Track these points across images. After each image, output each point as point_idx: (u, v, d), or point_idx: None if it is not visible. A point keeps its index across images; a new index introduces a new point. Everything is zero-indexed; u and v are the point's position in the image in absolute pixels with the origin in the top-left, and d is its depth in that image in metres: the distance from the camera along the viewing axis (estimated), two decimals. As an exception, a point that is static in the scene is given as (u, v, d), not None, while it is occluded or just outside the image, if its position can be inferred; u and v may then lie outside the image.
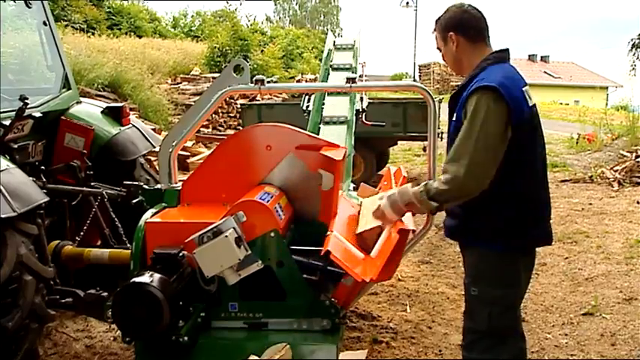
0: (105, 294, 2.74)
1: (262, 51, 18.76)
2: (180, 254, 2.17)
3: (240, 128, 9.48)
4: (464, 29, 2.16)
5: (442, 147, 2.43)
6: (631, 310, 3.82)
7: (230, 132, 11.53)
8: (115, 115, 3.73)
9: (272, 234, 2.20)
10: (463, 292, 2.43)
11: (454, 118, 2.13)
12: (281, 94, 12.50)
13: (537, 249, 2.29)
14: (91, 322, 3.55)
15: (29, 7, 3.45)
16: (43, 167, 3.30)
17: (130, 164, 3.64)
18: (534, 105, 2.12)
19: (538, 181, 2.15)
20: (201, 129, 9.74)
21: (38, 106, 3.29)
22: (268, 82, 2.62)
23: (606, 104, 24.19)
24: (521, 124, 2.00)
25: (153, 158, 4.92)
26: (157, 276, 2.06)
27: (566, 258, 4.95)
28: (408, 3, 31.01)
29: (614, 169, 8.45)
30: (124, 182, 3.14)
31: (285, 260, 2.23)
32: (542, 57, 39.55)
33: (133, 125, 3.78)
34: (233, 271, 2.11)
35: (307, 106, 3.95)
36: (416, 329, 3.58)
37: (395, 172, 2.87)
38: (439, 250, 5.24)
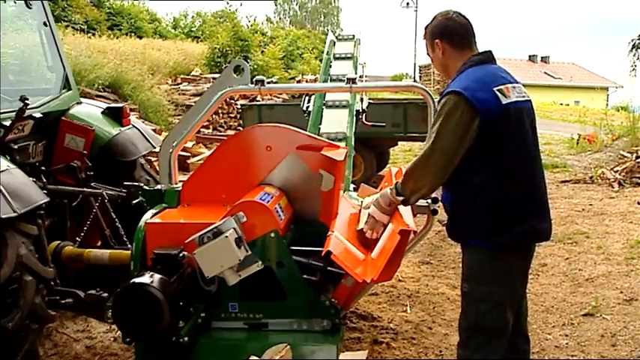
0: (105, 294, 2.74)
1: (262, 51, 18.75)
2: (181, 255, 2.17)
3: (241, 129, 9.49)
4: (449, 36, 2.25)
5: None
6: (631, 311, 3.82)
7: (230, 132, 11.53)
8: (116, 115, 3.73)
9: (272, 234, 2.20)
10: (462, 292, 2.47)
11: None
12: (281, 94, 12.51)
13: (537, 249, 2.29)
14: (91, 322, 3.55)
15: (29, 8, 3.45)
16: (43, 168, 3.30)
17: (130, 165, 3.64)
18: (516, 102, 2.12)
19: (523, 178, 2.14)
20: (202, 129, 9.74)
21: (38, 107, 3.29)
22: (268, 82, 2.62)
23: (606, 105, 24.13)
24: (492, 122, 2.04)
25: (153, 159, 4.92)
26: (157, 276, 2.07)
27: (567, 259, 4.95)
28: (408, 4, 31.04)
29: (615, 169, 8.45)
30: (124, 183, 3.14)
31: (285, 261, 2.23)
32: (542, 57, 39.55)
33: (134, 126, 3.78)
34: (233, 272, 2.12)
35: (307, 107, 3.95)
36: (416, 330, 3.58)
37: (396, 173, 2.87)
38: (439, 250, 5.24)
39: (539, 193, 2.22)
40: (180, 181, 2.66)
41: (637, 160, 8.35)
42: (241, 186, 2.40)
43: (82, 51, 11.31)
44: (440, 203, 2.39)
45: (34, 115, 3.17)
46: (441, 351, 3.33)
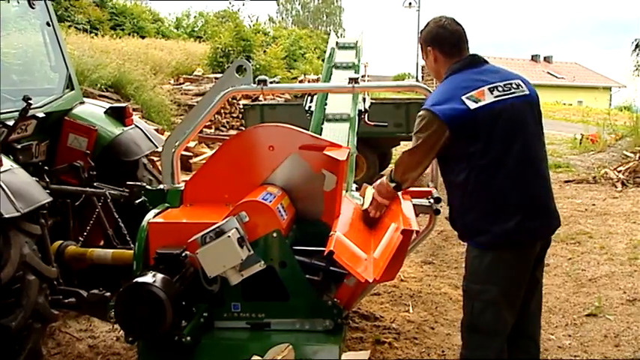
0: (108, 294, 2.74)
1: (265, 51, 18.76)
2: (183, 254, 2.17)
3: (243, 129, 9.49)
4: (440, 44, 2.28)
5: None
6: (635, 311, 3.81)
7: (233, 132, 11.53)
8: (118, 115, 3.73)
9: (274, 234, 2.20)
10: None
11: None
12: (283, 94, 12.51)
13: (539, 249, 2.28)
14: (94, 322, 3.56)
15: (33, 8, 3.46)
16: (46, 167, 3.31)
17: (133, 164, 3.65)
18: (490, 104, 2.11)
19: (516, 176, 2.13)
20: (204, 129, 9.75)
21: (42, 107, 3.30)
22: (271, 82, 2.62)
23: (610, 105, 24.08)
24: (461, 129, 2.09)
25: (155, 158, 4.92)
26: (159, 276, 2.07)
27: (570, 259, 4.93)
28: (410, 3, 30.94)
29: (618, 169, 8.43)
30: (127, 182, 3.15)
31: (287, 260, 2.23)
32: (545, 57, 39.44)
33: (136, 126, 3.79)
34: (236, 272, 2.12)
35: (310, 107, 3.94)
36: (419, 330, 3.58)
37: None
38: (442, 250, 5.23)
39: (539, 192, 2.19)
40: (182, 181, 2.66)
41: (640, 160, 8.32)
42: (244, 186, 2.40)
43: (84, 51, 11.32)
44: (442, 203, 2.40)
45: (37, 114, 3.18)
46: (443, 351, 3.32)
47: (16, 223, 2.43)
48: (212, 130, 11.50)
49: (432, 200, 2.59)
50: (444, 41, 2.27)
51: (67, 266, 3.05)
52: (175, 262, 2.15)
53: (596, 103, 20.52)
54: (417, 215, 2.39)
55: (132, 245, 2.94)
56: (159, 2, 33.31)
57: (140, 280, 2.06)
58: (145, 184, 3.09)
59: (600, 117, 13.43)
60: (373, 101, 4.66)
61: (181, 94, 13.19)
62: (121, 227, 3.22)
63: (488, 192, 2.11)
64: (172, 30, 25.16)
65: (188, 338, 2.13)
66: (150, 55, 14.70)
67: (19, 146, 3.13)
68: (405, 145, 10.57)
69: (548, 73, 36.72)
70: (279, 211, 2.25)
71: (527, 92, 2.20)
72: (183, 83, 14.13)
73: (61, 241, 3.08)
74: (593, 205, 6.88)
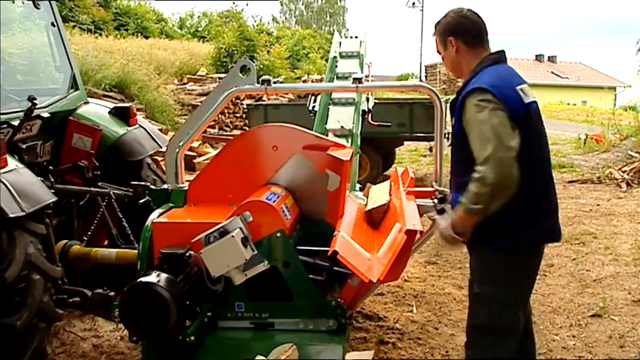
0: (112, 293, 2.75)
1: (268, 51, 18.77)
2: (187, 254, 2.17)
3: (247, 129, 9.51)
4: (462, 34, 2.20)
5: (448, 147, 2.43)
6: (640, 312, 3.79)
7: (236, 132, 11.54)
8: (122, 115, 3.74)
9: (278, 234, 2.21)
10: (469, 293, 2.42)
11: (453, 122, 2.18)
12: (287, 94, 12.51)
13: (545, 249, 2.27)
14: (98, 321, 3.56)
15: (37, 8, 3.47)
16: (51, 167, 3.32)
17: (137, 164, 3.65)
18: (532, 102, 2.11)
19: (538, 180, 2.12)
20: (208, 129, 9.76)
21: (46, 107, 3.31)
22: (274, 82, 2.62)
23: (614, 104, 23.99)
24: (516, 122, 2.01)
25: (160, 158, 4.94)
26: (163, 276, 2.07)
27: (574, 259, 4.92)
28: (414, 3, 30.97)
29: (623, 169, 8.39)
30: (131, 182, 3.15)
31: (291, 260, 2.23)
32: (549, 57, 39.33)
33: (140, 125, 3.80)
34: (239, 271, 2.12)
35: (313, 107, 3.95)
36: (422, 330, 3.57)
37: (402, 173, 2.86)
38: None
39: (551, 194, 2.20)
40: (186, 181, 2.66)
41: (645, 160, 8.29)
42: (247, 186, 2.40)
43: (89, 51, 11.36)
44: (448, 204, 2.36)
45: (42, 114, 3.19)
46: (447, 351, 3.31)
47: (21, 222, 2.44)
48: (216, 130, 11.52)
49: (435, 200, 2.57)
50: (467, 31, 2.19)
51: (72, 266, 3.06)
52: (179, 261, 2.16)
53: (600, 103, 20.45)
54: (420, 216, 2.38)
55: (136, 245, 2.95)
56: (163, 2, 33.47)
57: (144, 279, 2.07)
58: (149, 183, 3.10)
59: (605, 117, 13.38)
60: (377, 101, 4.66)
61: (185, 94, 13.22)
62: (125, 227, 3.23)
63: (524, 194, 2.02)
64: (176, 30, 25.22)
65: (192, 338, 2.14)
66: (154, 55, 14.74)
67: (24, 146, 3.14)
68: (408, 145, 10.57)
69: (552, 72, 36.61)
70: (283, 211, 2.26)
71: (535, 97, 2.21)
72: (186, 83, 14.16)
73: (65, 241, 3.09)
74: (598, 205, 6.85)
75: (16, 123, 3.02)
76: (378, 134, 6.59)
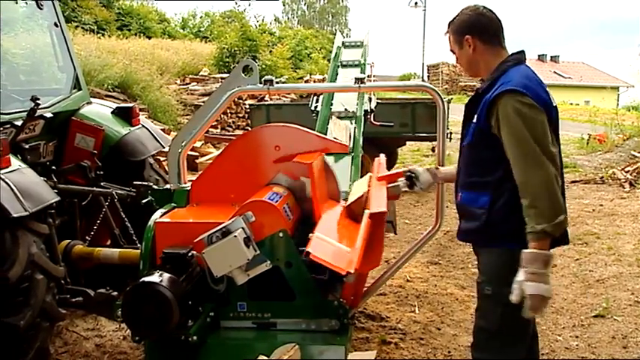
0: (115, 293, 2.75)
1: (271, 51, 18.78)
2: (190, 254, 2.17)
3: (249, 129, 9.51)
4: (480, 32, 2.14)
5: (451, 147, 2.44)
6: (643, 313, 3.78)
7: (239, 132, 11.56)
8: (125, 115, 3.75)
9: (280, 234, 2.20)
10: (472, 293, 2.40)
11: (474, 120, 2.10)
12: (289, 94, 12.51)
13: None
14: (101, 321, 3.57)
15: (40, 9, 3.48)
16: (53, 167, 3.33)
17: (140, 164, 3.66)
18: (555, 105, 2.11)
19: (560, 180, 2.12)
20: (210, 129, 9.76)
21: (49, 107, 3.32)
22: (277, 82, 2.62)
23: (617, 104, 23.92)
24: (549, 124, 1.99)
25: (162, 158, 4.94)
26: (166, 276, 2.07)
27: (577, 259, 4.90)
28: (416, 3, 30.95)
29: (626, 169, 8.37)
30: (134, 182, 3.16)
31: (293, 260, 2.23)
32: (552, 57, 39.24)
33: (143, 126, 3.80)
34: (242, 271, 2.12)
35: (316, 107, 3.94)
36: (425, 330, 3.57)
37: (378, 163, 2.86)
38: (448, 251, 5.21)
39: (564, 196, 2.20)
40: (189, 181, 2.67)
41: (648, 161, 8.27)
42: (250, 186, 2.40)
43: (91, 51, 11.39)
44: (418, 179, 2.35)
45: (45, 114, 3.20)
46: (449, 352, 3.31)
47: (24, 222, 2.45)
48: (218, 130, 11.53)
49: (405, 176, 2.51)
50: (485, 29, 2.13)
51: (75, 265, 3.06)
52: (182, 261, 2.16)
53: (603, 103, 20.39)
54: (396, 198, 2.37)
55: (138, 245, 2.96)
56: (165, 2, 33.52)
57: (147, 279, 2.07)
58: (151, 183, 3.11)
59: (608, 117, 13.36)
60: (379, 101, 4.65)
61: (187, 94, 13.23)
62: (128, 227, 3.24)
63: None
64: (178, 30, 25.27)
65: (194, 338, 2.14)
66: (156, 55, 14.76)
67: (27, 146, 3.15)
68: (410, 145, 10.57)
69: (555, 72, 36.51)
70: (285, 211, 2.25)
71: None
72: (189, 83, 14.18)
73: (68, 241, 3.10)
74: (601, 205, 6.84)
75: (19, 123, 3.03)
76: (381, 134, 6.58)
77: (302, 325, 2.26)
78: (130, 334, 2.27)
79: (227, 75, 3.46)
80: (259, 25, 21.12)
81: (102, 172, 3.44)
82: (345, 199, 2.57)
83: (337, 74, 4.08)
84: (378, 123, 4.36)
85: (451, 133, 7.41)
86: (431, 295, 4.16)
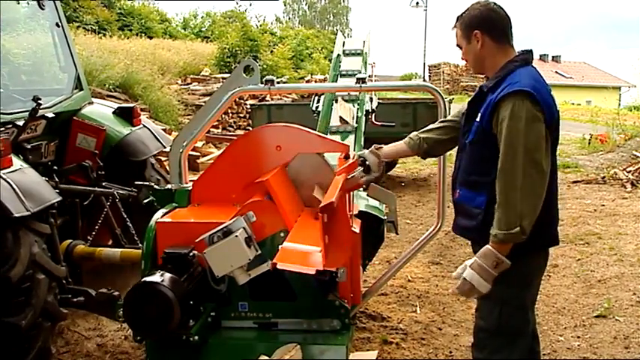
0: (116, 293, 2.76)
1: (272, 51, 18.79)
2: (191, 254, 2.18)
3: (250, 129, 9.51)
4: (489, 28, 2.10)
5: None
6: (644, 313, 3.78)
7: (240, 132, 11.56)
8: (126, 115, 3.75)
9: (282, 234, 2.20)
10: (474, 294, 2.40)
11: (477, 119, 2.08)
12: (290, 94, 12.52)
13: (550, 250, 2.27)
14: (102, 320, 3.57)
15: (42, 9, 3.48)
16: (55, 167, 3.33)
17: (141, 164, 3.66)
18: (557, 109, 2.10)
19: (553, 183, 2.12)
20: (211, 129, 9.77)
21: (51, 107, 3.33)
22: (278, 82, 2.62)
23: (619, 104, 23.87)
24: (552, 130, 1.98)
25: (163, 158, 4.95)
26: (167, 275, 2.08)
27: (579, 260, 4.90)
28: (417, 3, 30.93)
29: (627, 170, 8.36)
30: (135, 182, 3.16)
31: (295, 260, 2.22)
32: (553, 57, 39.18)
33: (144, 126, 3.81)
34: (243, 271, 2.12)
35: (317, 107, 3.94)
36: (426, 330, 3.56)
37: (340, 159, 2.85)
38: (449, 251, 5.21)
39: (557, 197, 2.19)
40: (190, 181, 2.67)
41: (650, 161, 8.26)
42: (251, 186, 2.40)
43: (93, 51, 11.39)
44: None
45: (46, 115, 3.21)
46: (451, 352, 3.31)
47: (25, 222, 2.45)
48: (219, 130, 11.53)
49: (359, 162, 2.42)
50: (495, 25, 2.10)
51: (76, 265, 3.07)
52: (183, 261, 2.16)
53: (605, 102, 20.34)
54: (360, 187, 2.33)
55: (140, 245, 2.96)
56: (166, 3, 33.53)
57: (148, 279, 2.07)
58: (152, 183, 3.11)
59: (609, 117, 13.33)
60: (380, 101, 4.65)
61: (189, 94, 13.23)
62: (129, 227, 3.24)
63: (546, 198, 2.00)
64: (180, 30, 25.26)
65: (196, 337, 2.14)
66: (157, 55, 14.76)
67: (28, 146, 3.16)
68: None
69: (557, 72, 36.46)
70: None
71: None
72: (190, 83, 14.18)
73: (69, 241, 3.10)
74: (603, 205, 6.83)
75: (20, 123, 3.04)
76: (382, 134, 6.55)
77: (303, 325, 2.26)
78: (132, 333, 2.28)
79: (228, 75, 3.46)
80: (260, 25, 21.16)
81: (103, 172, 3.45)
82: None
83: (340, 64, 4.08)
84: (380, 123, 4.36)
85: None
86: (432, 295, 4.16)
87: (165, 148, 3.73)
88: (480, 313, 2.21)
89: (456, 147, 2.27)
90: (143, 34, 18.47)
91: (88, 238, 3.23)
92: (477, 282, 1.95)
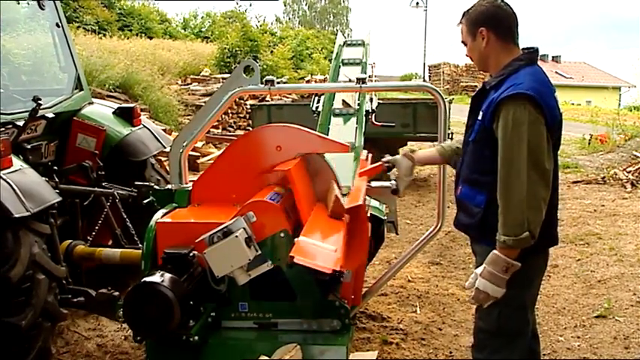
0: (116, 293, 2.76)
1: (272, 52, 18.79)
2: (191, 254, 2.17)
3: (250, 129, 9.51)
4: (496, 25, 2.08)
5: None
6: (644, 313, 3.78)
7: (240, 133, 11.56)
8: (127, 115, 3.75)
9: (282, 234, 2.20)
10: (473, 294, 2.40)
11: (479, 117, 2.07)
12: (291, 94, 12.52)
13: (550, 250, 2.27)
14: (102, 321, 3.58)
15: (42, 9, 3.49)
16: (55, 167, 3.33)
17: (141, 164, 3.67)
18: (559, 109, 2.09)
19: (556, 183, 2.12)
20: (211, 129, 9.77)
21: (51, 107, 3.33)
22: (278, 82, 2.62)
23: (619, 105, 23.86)
24: (553, 132, 1.97)
25: (163, 159, 4.95)
26: (167, 276, 2.08)
27: (579, 260, 4.90)
28: (417, 3, 30.97)
29: (627, 170, 8.37)
30: (135, 182, 3.16)
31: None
32: (553, 57, 39.18)
33: (144, 126, 3.81)
34: (243, 271, 2.12)
35: (317, 107, 3.94)
36: (426, 330, 3.57)
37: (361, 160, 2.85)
38: (449, 251, 5.21)
39: (557, 198, 2.19)
40: (190, 181, 2.67)
41: (650, 161, 8.26)
42: (251, 186, 2.40)
43: (93, 51, 11.40)
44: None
45: (46, 115, 3.21)
46: (451, 352, 3.31)
47: (26, 222, 2.45)
48: (219, 131, 11.53)
49: (393, 182, 2.47)
50: (501, 22, 2.07)
51: (76, 265, 3.07)
52: (183, 261, 2.16)
53: (605, 103, 20.34)
54: (373, 195, 2.34)
55: (140, 245, 2.96)
56: (166, 3, 33.56)
57: (148, 279, 2.07)
58: (152, 184, 3.11)
59: (609, 117, 13.34)
60: (380, 101, 4.65)
61: (189, 94, 13.23)
62: (129, 227, 3.24)
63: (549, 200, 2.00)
64: (180, 30, 25.27)
65: (196, 338, 2.14)
66: (157, 55, 14.76)
67: (28, 146, 3.16)
68: (412, 146, 10.57)
69: (557, 72, 36.46)
70: (287, 212, 2.25)
71: None
72: (190, 83, 14.18)
73: (69, 241, 3.10)
74: (602, 205, 6.83)
75: (20, 123, 3.04)
76: (382, 134, 6.58)
77: (303, 326, 2.26)
78: (132, 334, 2.28)
79: (228, 75, 3.45)
80: (260, 26, 21.14)
81: (103, 173, 3.45)
82: (347, 194, 2.54)
83: (338, 74, 4.08)
84: (380, 123, 4.36)
85: (452, 133, 7.41)
86: (432, 295, 4.16)
87: (165, 148, 3.73)
88: (480, 313, 2.20)
89: None
90: (143, 35, 18.48)
91: (88, 238, 3.23)
92: (491, 290, 1.95)
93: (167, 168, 3.14)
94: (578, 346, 3.39)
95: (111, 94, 10.18)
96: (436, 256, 5.10)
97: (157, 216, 2.40)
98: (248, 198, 2.27)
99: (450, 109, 2.59)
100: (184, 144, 2.64)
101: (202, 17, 28.16)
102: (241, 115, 12.81)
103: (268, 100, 9.22)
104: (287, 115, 7.65)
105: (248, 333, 2.29)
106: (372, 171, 2.48)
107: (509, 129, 1.92)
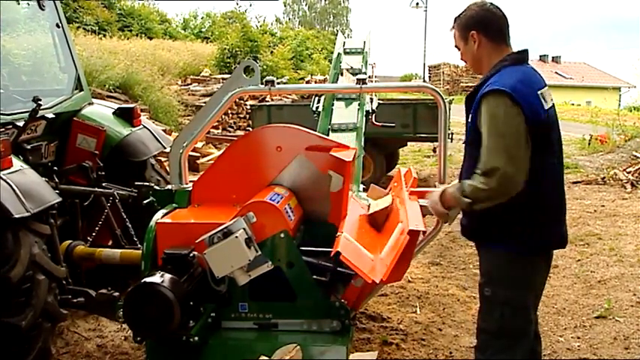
0: (116, 294, 2.76)
1: (272, 52, 18.80)
2: (191, 255, 2.18)
3: (250, 129, 9.51)
4: (485, 28, 2.13)
5: (452, 148, 2.45)
6: (644, 314, 3.77)
7: (240, 133, 11.56)
8: (127, 116, 3.75)
9: (282, 235, 2.21)
10: (473, 294, 2.39)
11: (469, 119, 2.12)
12: (291, 95, 12.51)
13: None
14: (102, 321, 3.57)
15: (42, 9, 3.48)
16: (55, 168, 3.33)
17: (141, 165, 3.66)
18: (551, 108, 2.10)
19: (555, 184, 2.12)
20: (211, 130, 9.77)
21: (51, 107, 3.33)
22: (278, 83, 2.62)
23: (619, 105, 23.85)
24: (537, 127, 1.98)
25: (163, 159, 4.95)
26: (167, 276, 2.08)
27: (579, 260, 4.90)
28: (417, 4, 30.93)
29: (627, 170, 8.36)
30: (135, 183, 3.16)
31: (295, 261, 2.23)
32: (553, 57, 39.16)
33: (144, 126, 3.81)
34: (243, 272, 2.12)
35: (317, 107, 3.95)
36: (426, 331, 3.56)
37: (405, 174, 2.86)
38: (449, 251, 5.21)
39: (564, 198, 2.20)
40: (190, 182, 2.67)
41: (650, 161, 8.26)
42: (251, 186, 2.40)
43: (93, 52, 11.41)
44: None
45: (46, 115, 3.20)
46: (451, 352, 3.31)
47: (26, 223, 2.45)
48: (219, 131, 11.53)
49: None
50: (490, 25, 2.13)
51: (76, 266, 3.07)
52: (183, 262, 2.16)
53: (605, 103, 20.33)
54: (423, 216, 2.37)
55: (140, 245, 2.96)
56: (166, 3, 33.54)
57: (148, 280, 2.07)
58: (153, 184, 3.11)
59: (609, 117, 13.33)
60: (380, 102, 4.65)
61: (189, 94, 13.24)
62: (129, 227, 3.24)
63: (537, 198, 2.03)
64: (180, 31, 25.29)
65: (196, 338, 2.14)
66: (157, 55, 14.78)
67: (28, 147, 3.16)
68: (412, 146, 10.58)
69: (557, 73, 36.45)
70: (287, 212, 2.25)
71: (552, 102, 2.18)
72: (190, 84, 14.19)
73: (69, 241, 3.10)
74: (602, 206, 6.83)
75: (20, 124, 3.03)
76: (382, 135, 6.59)
77: (303, 326, 2.26)
78: (132, 334, 2.27)
79: (228, 76, 3.46)
80: (260, 26, 21.16)
81: (103, 173, 3.45)
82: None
83: (338, 80, 4.08)
84: (380, 124, 4.36)
85: (452, 133, 7.41)
86: (432, 295, 4.16)
87: (165, 148, 3.72)
88: (482, 314, 2.21)
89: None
90: (143, 35, 18.49)
91: (88, 238, 3.22)
92: (437, 208, 2.15)
93: (167, 168, 3.14)
94: (578, 346, 3.39)
95: (111, 94, 10.18)
96: (436, 256, 5.09)
97: (157, 216, 2.40)
98: (248, 198, 2.27)
99: (450, 109, 2.59)
100: (184, 144, 2.64)
101: (202, 18, 28.21)
102: (241, 116, 12.82)
103: (268, 101, 9.23)
104: (287, 115, 7.65)
105: (248, 333, 2.29)
106: (425, 194, 2.52)
107: (489, 121, 1.97)
